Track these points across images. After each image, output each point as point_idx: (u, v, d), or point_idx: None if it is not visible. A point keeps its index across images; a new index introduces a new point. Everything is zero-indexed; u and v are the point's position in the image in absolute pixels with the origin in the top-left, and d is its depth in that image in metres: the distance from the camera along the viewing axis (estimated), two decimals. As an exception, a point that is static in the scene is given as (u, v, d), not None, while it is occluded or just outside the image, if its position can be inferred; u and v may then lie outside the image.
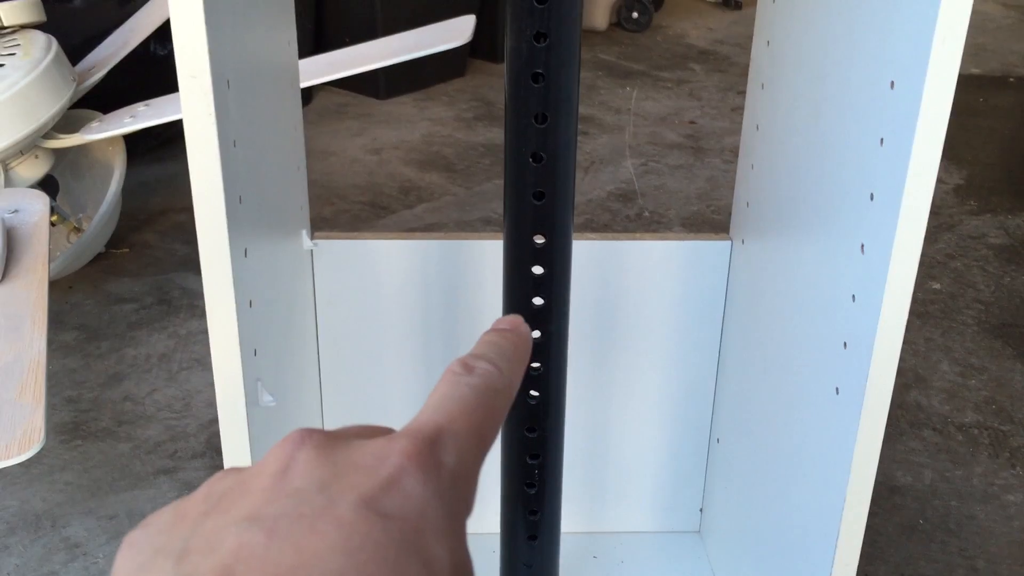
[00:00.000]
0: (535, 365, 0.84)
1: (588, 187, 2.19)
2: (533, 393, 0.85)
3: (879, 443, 0.69)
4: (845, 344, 0.69)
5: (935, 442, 1.29)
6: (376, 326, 0.99)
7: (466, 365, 0.27)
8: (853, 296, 0.68)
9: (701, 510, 1.11)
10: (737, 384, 0.97)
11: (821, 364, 0.73)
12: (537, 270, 0.80)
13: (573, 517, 1.09)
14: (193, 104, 0.57)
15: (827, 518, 0.75)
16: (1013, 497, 1.19)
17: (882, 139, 0.63)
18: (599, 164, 2.32)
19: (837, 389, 0.71)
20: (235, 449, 0.69)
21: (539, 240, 0.79)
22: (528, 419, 0.85)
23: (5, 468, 1.23)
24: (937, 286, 1.71)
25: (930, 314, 1.62)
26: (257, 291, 0.68)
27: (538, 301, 0.81)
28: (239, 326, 0.64)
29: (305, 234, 0.93)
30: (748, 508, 0.95)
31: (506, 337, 0.29)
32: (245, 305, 0.65)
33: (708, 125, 2.56)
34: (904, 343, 1.55)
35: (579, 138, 2.44)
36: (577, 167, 2.32)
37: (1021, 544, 1.12)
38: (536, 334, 0.83)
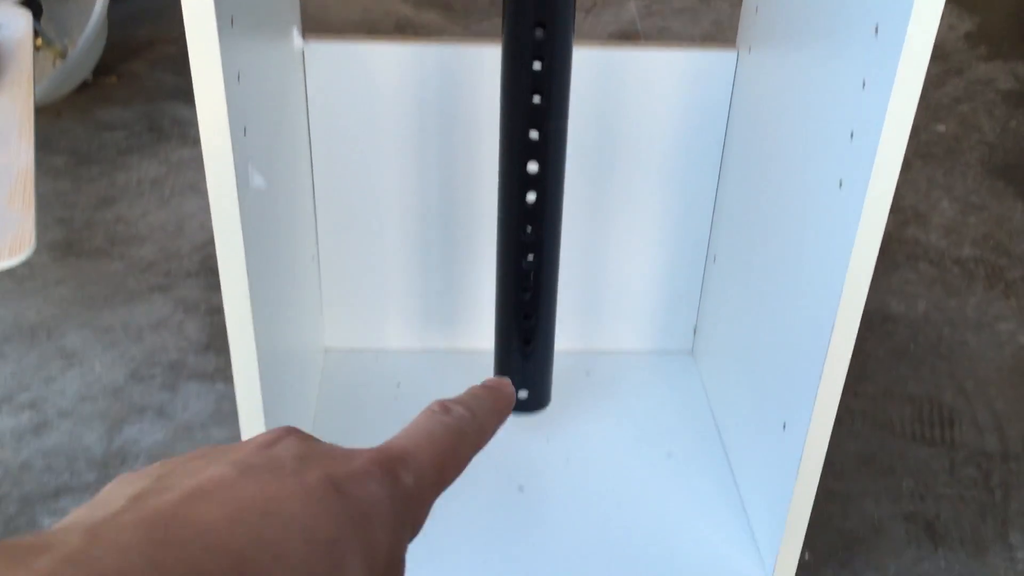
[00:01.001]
0: (533, 167, 0.82)
1: (589, 28, 2.13)
2: (530, 196, 0.83)
3: (879, 235, 0.69)
4: (852, 134, 0.68)
5: (931, 274, 1.29)
6: (370, 129, 0.97)
7: (444, 406, 0.31)
8: (863, 82, 0.65)
9: (695, 330, 1.12)
10: (737, 198, 0.96)
11: (826, 156, 0.72)
12: (536, 66, 0.78)
13: (567, 335, 1.10)
14: None
15: (819, 326, 0.75)
16: (1006, 326, 1.20)
17: (904, -93, 0.59)
18: (601, 5, 2.25)
19: (840, 182, 0.70)
20: (227, 233, 0.68)
21: (539, 33, 0.76)
22: (524, 220, 0.84)
23: (-1, 282, 1.23)
24: (942, 128, 1.68)
25: (933, 155, 1.60)
26: (245, 65, 0.66)
27: (536, 99, 0.79)
28: (227, 99, 0.62)
29: (296, 32, 0.89)
30: (741, 326, 0.95)
31: (488, 392, 0.33)
32: (233, 77, 0.63)
33: (715, -33, 2.47)
34: (905, 182, 1.53)
35: (581, -23, 2.35)
36: (579, 7, 2.25)
37: (1011, 369, 1.13)
38: (534, 135, 0.81)
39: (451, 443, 0.29)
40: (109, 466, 0.96)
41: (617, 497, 0.94)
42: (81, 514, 0.22)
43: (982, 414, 1.07)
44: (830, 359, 0.75)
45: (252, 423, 0.76)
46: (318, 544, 0.23)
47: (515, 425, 1.01)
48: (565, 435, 1.01)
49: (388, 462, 0.27)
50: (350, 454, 0.27)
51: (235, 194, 0.65)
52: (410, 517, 0.27)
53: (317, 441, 0.27)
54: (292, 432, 0.27)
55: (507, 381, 0.34)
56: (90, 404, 1.03)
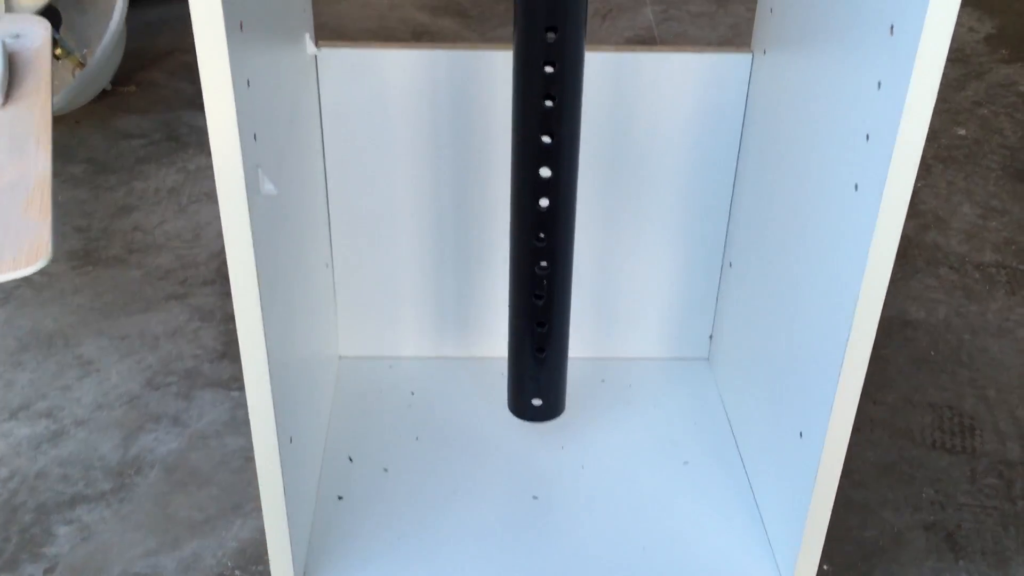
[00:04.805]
0: (545, 172, 0.82)
1: (606, 34, 2.12)
2: (543, 202, 0.83)
3: (896, 240, 0.68)
4: (867, 136, 0.67)
5: (951, 280, 1.28)
6: (384, 135, 0.97)
7: None
8: (879, 83, 0.65)
9: (711, 337, 1.11)
10: (753, 202, 0.95)
11: (841, 159, 0.71)
12: (548, 70, 0.77)
13: (582, 342, 1.09)
14: None
15: (838, 325, 0.73)
16: (1027, 332, 1.18)
17: (918, -94, 0.59)
18: (617, 11, 2.24)
19: (856, 185, 0.69)
20: (237, 239, 0.67)
21: (551, 35, 0.76)
22: (537, 226, 0.83)
23: (16, 291, 1.24)
24: (963, 132, 1.66)
25: (954, 159, 1.58)
26: (255, 72, 0.66)
27: (548, 103, 0.79)
28: (236, 105, 0.62)
29: (309, 38, 0.89)
30: (758, 333, 0.94)
31: None
32: (242, 83, 0.63)
33: (733, -27, 2.46)
34: (925, 186, 1.51)
35: (598, -18, 2.35)
36: (595, 14, 2.24)
37: (1032, 376, 1.11)
38: (547, 139, 0.80)
39: None
40: (124, 475, 0.96)
41: (633, 506, 0.93)
42: None
43: (1004, 422, 1.05)
44: (847, 367, 0.74)
45: (264, 431, 0.76)
46: None
47: (529, 433, 1.00)
48: (580, 443, 1.00)
49: None
50: None
51: (245, 200, 0.65)
52: None
53: None
54: None
55: None
56: (106, 412, 1.04)
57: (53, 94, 1.29)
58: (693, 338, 1.11)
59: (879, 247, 0.68)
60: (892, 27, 0.62)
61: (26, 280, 1.25)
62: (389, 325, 1.10)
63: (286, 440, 0.79)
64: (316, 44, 0.91)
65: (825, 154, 0.75)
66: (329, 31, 2.06)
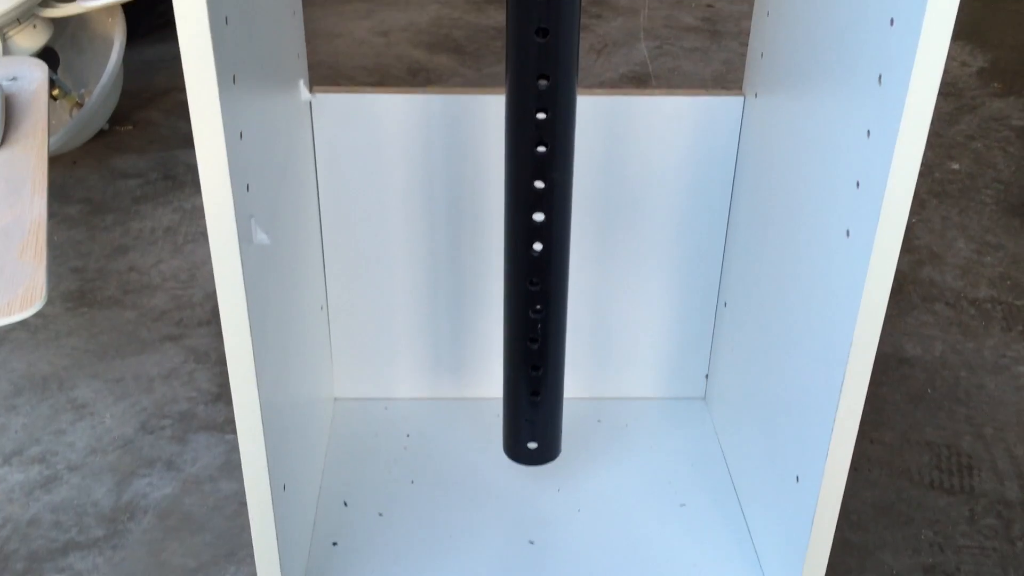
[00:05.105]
0: (539, 217, 0.82)
1: (601, 69, 2.14)
2: (536, 246, 0.83)
3: (888, 287, 0.68)
4: (858, 183, 0.67)
5: (947, 316, 1.28)
6: (378, 179, 0.97)
7: None
8: (868, 131, 0.65)
9: (707, 376, 1.11)
10: (747, 243, 0.95)
11: (833, 205, 0.71)
12: (540, 116, 0.78)
13: (578, 383, 1.09)
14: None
15: (831, 372, 0.73)
16: (1024, 368, 1.18)
17: (904, -42, 0.59)
18: (612, 47, 2.26)
19: (848, 231, 0.69)
20: (229, 288, 0.67)
21: (543, 83, 0.76)
22: (530, 271, 0.83)
23: (11, 333, 1.24)
24: (956, 166, 1.67)
25: (948, 193, 1.58)
26: (248, 123, 0.66)
27: (541, 149, 0.79)
28: (229, 157, 0.62)
29: (303, 84, 0.90)
30: (753, 373, 0.94)
31: None
32: (235, 135, 0.63)
33: (726, 8, 2.48)
34: (919, 221, 1.52)
35: (592, 21, 2.37)
36: (590, 49, 2.26)
37: (1030, 413, 1.11)
38: (540, 184, 0.81)
39: None
40: (117, 521, 0.96)
41: (630, 549, 0.93)
42: None
43: (1002, 461, 1.05)
44: (841, 413, 0.74)
45: (257, 480, 0.75)
46: None
47: (525, 476, 1.00)
48: (576, 485, 1.00)
49: None
50: None
51: (238, 251, 0.65)
52: None
53: None
54: None
55: None
56: (100, 457, 1.03)
57: (50, 134, 1.30)
58: (689, 378, 1.11)
59: (872, 292, 0.68)
60: (880, 77, 0.63)
61: (21, 322, 1.25)
62: (384, 366, 1.10)
63: (279, 488, 0.78)
64: (310, 90, 0.92)
65: (816, 199, 0.75)
66: (326, 69, 2.08)
